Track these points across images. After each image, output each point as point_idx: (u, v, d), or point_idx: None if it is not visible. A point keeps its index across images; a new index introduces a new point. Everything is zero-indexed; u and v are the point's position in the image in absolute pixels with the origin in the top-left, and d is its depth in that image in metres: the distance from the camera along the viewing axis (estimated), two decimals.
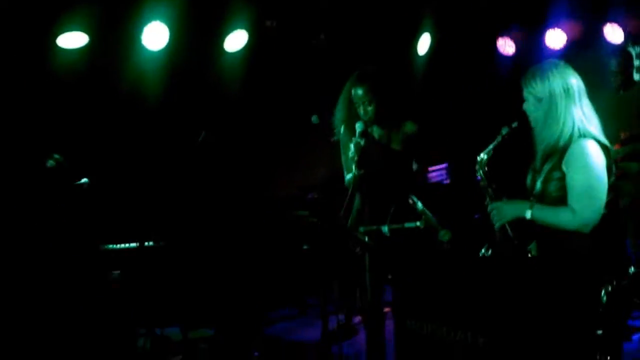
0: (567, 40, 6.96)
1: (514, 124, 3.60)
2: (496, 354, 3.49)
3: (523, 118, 3.52)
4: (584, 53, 7.03)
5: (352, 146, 4.19)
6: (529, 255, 3.53)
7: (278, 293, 6.00)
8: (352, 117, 4.46)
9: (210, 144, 5.75)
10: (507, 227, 3.54)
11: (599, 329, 3.29)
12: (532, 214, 3.37)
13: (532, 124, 3.48)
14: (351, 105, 4.48)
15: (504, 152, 3.68)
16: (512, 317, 3.55)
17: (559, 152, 3.36)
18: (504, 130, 3.62)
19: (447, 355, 3.71)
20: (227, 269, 5.68)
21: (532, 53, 7.12)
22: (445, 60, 7.25)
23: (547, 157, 3.43)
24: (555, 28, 6.93)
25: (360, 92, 4.40)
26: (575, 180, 3.29)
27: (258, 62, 6.43)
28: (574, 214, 3.27)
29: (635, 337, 5.34)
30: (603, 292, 3.28)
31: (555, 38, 6.97)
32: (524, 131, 3.56)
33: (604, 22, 6.71)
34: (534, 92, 3.40)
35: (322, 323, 4.45)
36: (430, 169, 6.66)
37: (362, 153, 4.16)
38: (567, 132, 3.35)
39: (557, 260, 3.40)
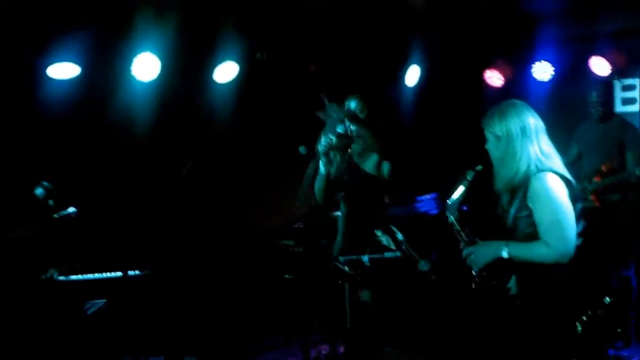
0: (554, 73, 7.05)
1: (479, 168, 3.67)
2: None
3: (487, 160, 3.60)
4: (570, 85, 7.12)
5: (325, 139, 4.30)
6: (509, 293, 3.56)
7: (262, 322, 5.98)
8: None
9: (197, 174, 5.81)
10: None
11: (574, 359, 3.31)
12: (508, 253, 3.42)
13: (493, 161, 3.56)
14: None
15: (472, 191, 3.73)
16: (490, 347, 3.59)
17: (522, 189, 3.43)
18: (469, 175, 3.69)
19: None
20: (212, 298, 5.69)
21: (520, 85, 7.20)
22: (433, 91, 7.32)
23: (511, 195, 3.51)
24: (542, 60, 7.02)
25: (353, 103, 4.60)
26: (542, 214, 3.36)
27: (247, 93, 6.49)
28: (549, 247, 3.33)
29: None
30: (578, 322, 3.32)
31: (542, 70, 7.05)
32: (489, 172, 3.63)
33: (590, 55, 6.80)
34: (493, 131, 3.50)
35: (302, 353, 4.49)
36: (419, 198, 6.67)
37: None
38: (522, 169, 3.43)
39: (532, 292, 3.43)
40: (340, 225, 4.42)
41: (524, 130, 3.45)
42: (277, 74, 6.62)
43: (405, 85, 7.23)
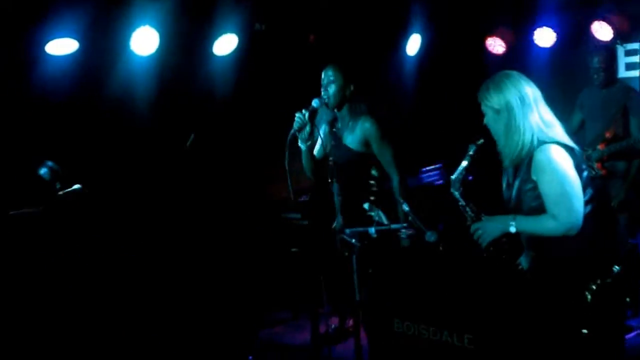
0: (557, 39, 6.98)
1: (480, 141, 3.64)
2: (482, 355, 3.52)
3: (487, 133, 3.55)
4: (573, 51, 7.06)
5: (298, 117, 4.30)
6: (519, 268, 3.55)
7: (270, 296, 6.00)
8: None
9: (200, 146, 5.78)
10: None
11: (586, 329, 3.30)
12: (516, 227, 3.40)
13: (494, 137, 3.51)
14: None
15: (476, 164, 3.71)
16: (498, 319, 3.59)
17: (525, 162, 3.39)
18: (471, 150, 3.66)
19: (434, 356, 3.75)
20: (221, 272, 5.70)
21: (522, 51, 7.15)
22: (435, 60, 7.26)
23: (515, 168, 3.47)
24: (544, 26, 6.95)
25: (329, 72, 4.51)
26: (547, 187, 3.32)
27: (248, 65, 6.43)
28: (556, 219, 3.30)
29: (628, 336, 5.36)
30: (587, 292, 3.30)
31: (544, 36, 6.99)
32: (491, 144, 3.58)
33: (592, 20, 6.73)
34: (491, 105, 3.44)
35: (312, 326, 4.50)
36: (423, 169, 6.67)
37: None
38: (527, 141, 3.38)
39: (542, 263, 3.42)
40: (337, 201, 4.42)
41: (522, 100, 3.39)
42: (277, 45, 6.56)
43: (407, 54, 7.17)
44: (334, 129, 4.62)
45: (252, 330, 5.38)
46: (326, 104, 4.48)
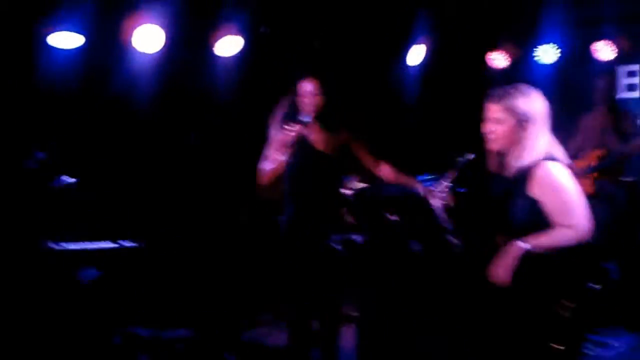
0: (560, 56, 7.03)
1: (470, 156, 3.66)
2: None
3: (479, 144, 3.54)
4: (574, 69, 7.11)
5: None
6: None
7: (255, 298, 6.04)
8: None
9: (200, 145, 5.85)
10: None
11: (559, 344, 3.35)
12: (530, 244, 3.34)
13: (495, 147, 3.48)
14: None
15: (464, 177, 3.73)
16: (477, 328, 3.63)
17: (524, 177, 3.38)
18: (460, 163, 3.68)
19: None
20: (207, 270, 5.75)
21: (524, 67, 7.19)
22: (436, 71, 7.30)
23: (512, 182, 3.44)
24: (547, 43, 7.00)
25: (310, 84, 4.53)
26: (558, 201, 3.33)
27: (251, 67, 6.50)
28: (573, 228, 3.31)
29: (602, 353, 5.43)
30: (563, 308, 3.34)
31: (547, 53, 7.04)
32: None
33: (595, 39, 6.78)
34: (515, 111, 3.39)
35: (290, 329, 4.56)
36: (418, 178, 6.68)
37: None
38: (538, 155, 3.38)
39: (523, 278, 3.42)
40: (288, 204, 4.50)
41: (543, 116, 3.42)
42: (281, 49, 6.62)
43: (408, 65, 7.21)
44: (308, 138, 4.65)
45: (234, 330, 5.43)
46: (306, 114, 4.54)
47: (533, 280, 3.39)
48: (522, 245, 3.33)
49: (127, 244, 4.97)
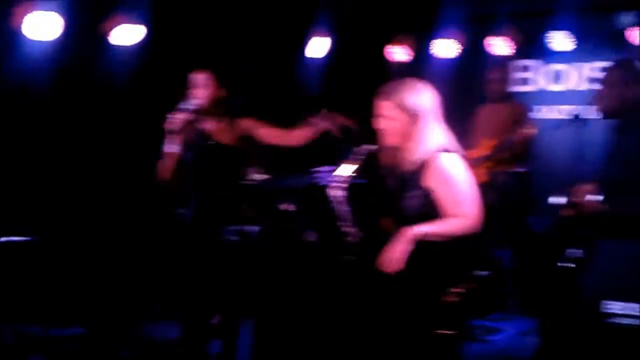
0: (457, 50, 7.21)
1: (372, 148, 3.67)
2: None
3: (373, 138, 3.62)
4: (471, 64, 7.30)
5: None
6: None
7: (147, 292, 5.95)
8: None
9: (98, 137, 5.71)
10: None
11: (445, 329, 3.45)
12: (425, 231, 3.41)
13: (389, 143, 3.56)
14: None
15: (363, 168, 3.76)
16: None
17: (419, 170, 3.48)
18: (360, 154, 3.69)
19: None
20: (100, 266, 5.63)
21: (423, 62, 7.34)
22: (338, 65, 7.35)
23: (407, 175, 3.54)
24: (445, 38, 7.16)
25: (200, 76, 4.54)
26: (451, 192, 3.43)
27: (150, 57, 6.38)
28: (464, 218, 3.42)
29: (493, 338, 5.65)
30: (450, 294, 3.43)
31: (445, 47, 7.20)
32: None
33: (490, 34, 6.98)
34: (404, 106, 3.47)
35: (185, 323, 4.52)
36: (316, 170, 6.73)
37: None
38: (432, 147, 3.48)
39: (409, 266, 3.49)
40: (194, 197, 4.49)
41: (434, 109, 3.51)
42: (180, 39, 6.53)
43: (310, 57, 7.24)
44: (204, 130, 4.65)
45: (127, 326, 5.34)
46: (199, 106, 4.52)
47: (422, 267, 3.46)
48: (416, 231, 3.40)
49: (17, 238, 4.82)
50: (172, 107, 4.62)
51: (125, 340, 5.17)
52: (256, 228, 4.05)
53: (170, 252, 4.67)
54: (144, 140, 6.22)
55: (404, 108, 3.46)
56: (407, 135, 3.50)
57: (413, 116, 3.46)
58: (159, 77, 6.40)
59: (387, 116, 3.50)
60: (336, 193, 3.70)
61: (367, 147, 3.68)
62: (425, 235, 3.41)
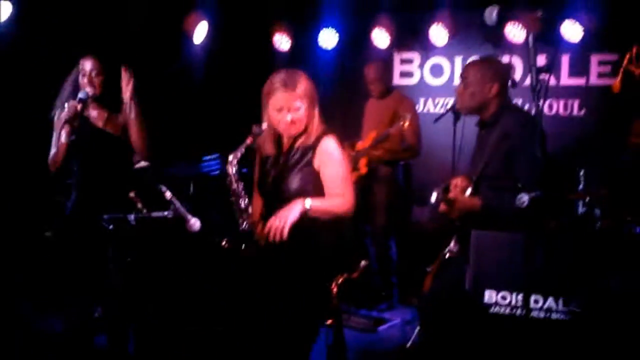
0: (338, 42, 7.19)
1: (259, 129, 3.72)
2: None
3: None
4: (353, 55, 7.31)
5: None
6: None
7: (27, 282, 5.65)
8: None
9: None
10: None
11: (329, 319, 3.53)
12: (311, 204, 3.55)
13: (295, 132, 3.68)
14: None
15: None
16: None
17: (308, 151, 3.66)
18: (250, 138, 3.72)
19: None
20: None
21: (306, 51, 7.28)
22: (221, 51, 7.20)
23: (293, 154, 3.69)
24: (328, 28, 7.13)
25: (91, 63, 4.48)
26: (335, 171, 3.64)
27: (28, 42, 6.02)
28: (342, 197, 3.63)
29: (380, 328, 5.68)
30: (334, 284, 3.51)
31: (327, 38, 7.17)
32: None
33: (373, 27, 6.99)
34: (298, 92, 3.60)
35: (68, 315, 4.34)
36: (204, 158, 6.59)
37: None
38: (314, 132, 3.68)
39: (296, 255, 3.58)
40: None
41: (311, 96, 3.65)
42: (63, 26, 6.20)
43: (193, 43, 7.04)
44: (89, 117, 4.57)
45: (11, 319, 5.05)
46: (91, 95, 4.42)
47: (302, 252, 3.59)
48: (305, 202, 3.54)
49: None
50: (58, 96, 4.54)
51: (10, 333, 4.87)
52: (135, 216, 3.91)
53: (49, 241, 4.50)
54: (35, 134, 5.89)
55: (305, 97, 3.62)
56: (308, 118, 3.66)
57: (312, 103, 3.65)
58: (39, 66, 6.04)
59: (294, 107, 3.61)
60: (231, 171, 3.75)
61: (258, 128, 3.70)
62: (312, 208, 3.54)
